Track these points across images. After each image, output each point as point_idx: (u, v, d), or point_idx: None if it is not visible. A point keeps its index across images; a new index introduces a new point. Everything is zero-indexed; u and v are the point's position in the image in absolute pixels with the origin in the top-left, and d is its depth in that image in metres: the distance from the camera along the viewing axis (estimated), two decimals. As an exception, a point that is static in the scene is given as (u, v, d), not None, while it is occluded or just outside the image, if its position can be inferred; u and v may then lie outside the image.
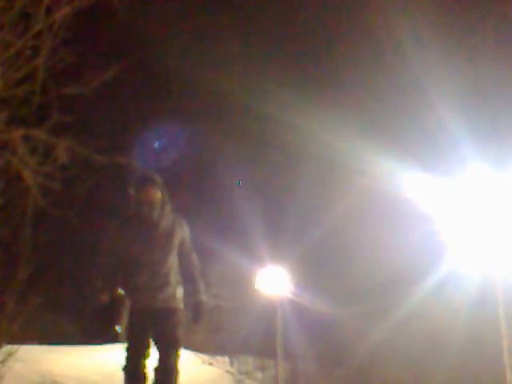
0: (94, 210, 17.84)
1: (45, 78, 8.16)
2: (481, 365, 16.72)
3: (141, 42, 18.24)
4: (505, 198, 13.98)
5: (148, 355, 6.95)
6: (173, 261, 7.14)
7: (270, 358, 20.34)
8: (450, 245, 15.33)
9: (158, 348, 6.96)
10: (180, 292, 7.18)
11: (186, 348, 7.28)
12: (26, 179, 8.57)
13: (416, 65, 16.69)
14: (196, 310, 7.26)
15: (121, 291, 6.97)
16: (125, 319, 6.91)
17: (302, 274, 18.96)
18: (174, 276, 7.14)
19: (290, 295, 18.90)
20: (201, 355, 21.32)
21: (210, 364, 21.38)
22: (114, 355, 15.49)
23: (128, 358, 6.92)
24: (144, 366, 6.90)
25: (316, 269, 19.49)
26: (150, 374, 6.96)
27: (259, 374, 21.25)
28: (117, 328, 6.86)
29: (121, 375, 6.97)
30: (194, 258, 7.35)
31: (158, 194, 7.13)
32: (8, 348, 12.82)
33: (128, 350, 6.93)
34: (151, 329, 6.96)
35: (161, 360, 6.92)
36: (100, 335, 20.67)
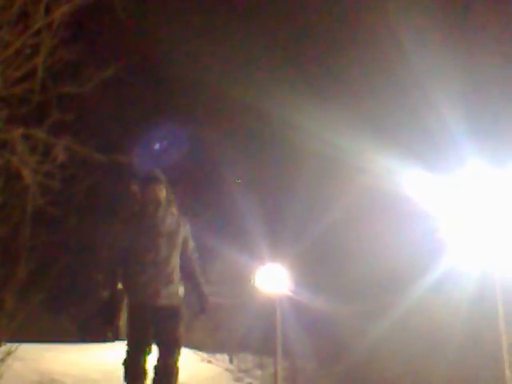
0: (94, 208, 17.85)
1: (44, 77, 8.16)
2: (479, 362, 16.74)
3: (141, 40, 18.24)
4: (504, 195, 13.99)
5: (150, 351, 6.98)
6: (176, 259, 7.17)
7: (269, 355, 20.32)
8: (450, 242, 15.35)
9: (158, 346, 6.98)
10: (182, 290, 7.21)
11: (185, 346, 7.28)
12: (25, 178, 8.57)
13: (416, 63, 16.69)
14: (201, 301, 7.30)
15: (120, 286, 7.00)
16: (123, 317, 6.93)
17: (302, 272, 18.96)
18: (177, 274, 7.17)
19: (289, 293, 18.89)
20: (200, 353, 21.31)
21: (209, 362, 21.37)
22: (113, 353, 15.50)
23: (129, 353, 6.95)
24: (144, 362, 6.94)
25: (315, 267, 19.50)
26: (150, 371, 6.99)
27: (258, 372, 21.25)
28: (109, 334, 6.91)
29: (121, 371, 6.99)
30: (196, 256, 7.39)
31: (163, 193, 7.17)
32: (7, 346, 12.80)
33: (129, 345, 6.96)
34: (153, 325, 6.98)
35: (161, 358, 6.94)
36: (98, 333, 20.69)
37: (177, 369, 7.07)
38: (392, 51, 17.23)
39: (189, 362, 16.60)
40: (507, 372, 13.96)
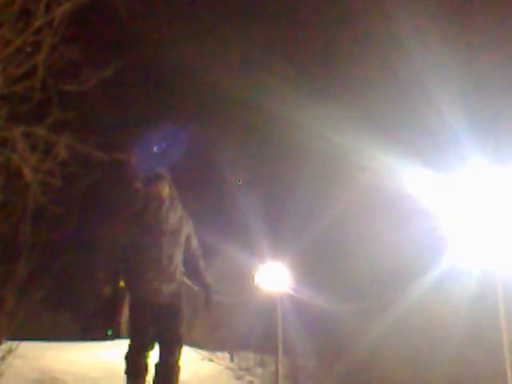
0: (95, 206, 17.86)
1: (45, 75, 8.15)
2: (480, 360, 16.70)
3: (141, 39, 18.23)
4: (505, 193, 13.95)
5: (151, 347, 6.97)
6: (179, 258, 7.18)
7: (270, 354, 20.31)
8: (451, 240, 15.32)
9: (160, 345, 6.98)
10: (183, 289, 7.21)
11: (185, 344, 7.27)
12: (25, 176, 8.56)
13: (417, 61, 16.66)
14: (207, 293, 7.31)
15: (122, 284, 6.99)
16: (124, 315, 6.93)
17: (303, 270, 18.95)
18: (179, 272, 7.18)
19: (290, 291, 18.88)
20: (200, 351, 21.34)
21: (210, 360, 21.39)
22: (114, 351, 15.51)
23: (130, 349, 6.95)
24: (146, 358, 6.95)
25: (316, 265, 19.50)
26: (151, 368, 6.98)
27: (259, 370, 21.24)
28: (110, 331, 6.90)
29: (122, 368, 6.99)
30: (200, 253, 7.40)
31: (166, 190, 7.17)
32: (8, 345, 12.80)
33: (131, 341, 6.96)
34: (154, 323, 6.98)
35: (162, 357, 6.94)
36: (99, 331, 20.69)
37: (178, 367, 7.07)
38: (393, 49, 17.21)
39: (189, 360, 16.61)
40: (508, 370, 13.91)
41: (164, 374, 7.00)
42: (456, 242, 15.36)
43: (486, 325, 15.91)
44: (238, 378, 20.78)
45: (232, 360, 21.72)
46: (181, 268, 7.24)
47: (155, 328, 7.01)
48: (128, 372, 7.00)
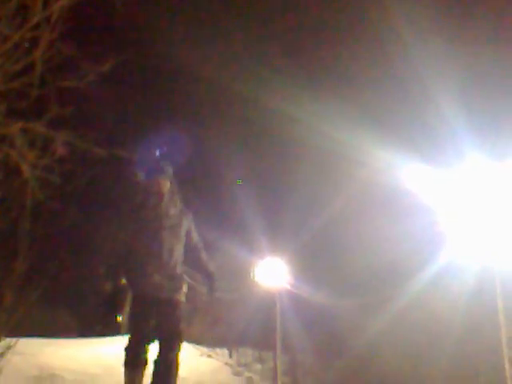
0: (93, 203, 17.86)
1: (43, 71, 8.11)
2: (479, 355, 16.75)
3: (139, 34, 18.19)
4: (503, 188, 13.98)
5: (151, 340, 6.96)
6: (179, 252, 7.15)
7: (268, 349, 20.36)
8: (449, 235, 15.34)
9: (159, 340, 6.96)
10: (185, 286, 7.20)
11: (184, 340, 7.27)
12: (24, 172, 8.54)
13: (415, 56, 16.66)
14: (209, 281, 7.29)
15: (124, 280, 6.97)
16: (127, 308, 6.93)
17: (301, 266, 18.98)
18: (180, 268, 7.15)
19: (288, 287, 18.91)
20: (200, 347, 21.35)
21: (209, 356, 21.41)
22: (113, 348, 15.51)
23: (130, 342, 6.93)
24: (145, 351, 6.92)
25: (315, 260, 19.50)
26: (150, 360, 6.98)
27: (258, 366, 21.28)
28: (119, 318, 6.89)
29: (120, 363, 6.98)
30: (201, 245, 7.38)
31: (167, 185, 7.13)
32: (6, 341, 12.79)
33: (130, 334, 6.94)
34: (154, 318, 6.97)
35: (162, 353, 6.92)
36: (102, 324, 20.71)
37: (177, 363, 7.05)
38: (391, 45, 17.21)
39: (188, 356, 16.60)
40: (507, 365, 13.96)
41: (163, 369, 6.98)
42: (454, 238, 15.40)
43: (484, 320, 15.94)
44: (237, 373, 20.81)
45: (231, 356, 21.75)
46: (181, 263, 7.23)
47: (155, 322, 7.00)
48: (127, 363, 6.99)
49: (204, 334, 21.71)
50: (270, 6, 20.37)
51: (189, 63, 19.06)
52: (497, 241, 14.30)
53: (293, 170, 19.75)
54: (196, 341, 20.85)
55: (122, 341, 7.10)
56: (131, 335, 6.97)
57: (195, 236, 7.34)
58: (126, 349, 6.96)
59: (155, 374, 6.97)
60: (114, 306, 7.09)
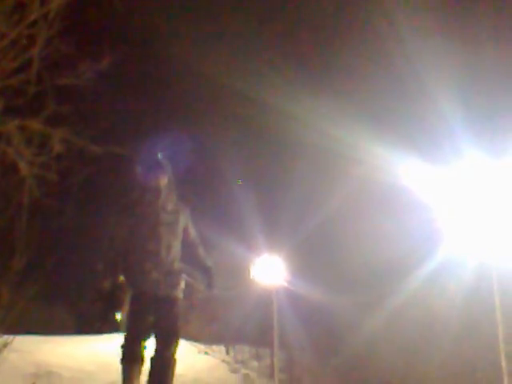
0: (90, 200, 17.83)
1: (40, 68, 8.11)
2: (476, 352, 16.75)
3: (138, 31, 18.17)
4: (500, 185, 13.99)
5: (148, 336, 6.95)
6: (177, 248, 7.13)
7: (265, 346, 20.38)
8: (447, 232, 15.34)
9: (156, 337, 6.95)
10: (182, 282, 7.18)
11: (181, 337, 7.26)
12: (21, 170, 8.54)
13: (413, 54, 16.65)
14: (208, 277, 7.28)
15: (122, 278, 6.94)
16: (126, 306, 6.89)
17: (298, 263, 18.97)
18: (178, 264, 7.13)
19: (285, 284, 18.90)
20: (197, 344, 21.37)
21: (206, 353, 21.43)
22: (110, 345, 15.50)
23: (127, 339, 6.92)
24: (142, 348, 6.90)
25: (312, 258, 19.49)
26: (147, 357, 6.96)
27: (255, 363, 21.30)
28: (117, 316, 6.86)
29: (117, 361, 6.97)
30: (199, 241, 7.36)
31: (164, 181, 7.10)
32: (3, 339, 12.80)
33: (127, 331, 6.93)
34: (152, 315, 6.95)
35: (159, 350, 6.91)
36: (100, 321, 20.68)
37: (174, 360, 7.04)
38: (389, 42, 17.19)
39: (185, 353, 16.62)
40: (504, 362, 13.98)
41: (160, 366, 6.97)
42: (452, 235, 15.40)
43: (481, 317, 15.95)
44: (234, 370, 20.82)
45: (228, 353, 21.77)
46: (178, 259, 7.22)
47: (152, 319, 6.98)
48: (124, 360, 6.97)
49: (201, 331, 21.73)
50: (267, 2, 20.36)
51: (186, 60, 19.04)
52: (494, 238, 14.31)
53: (290, 167, 19.73)
54: (193, 338, 20.86)
55: (120, 338, 7.10)
56: (128, 332, 6.96)
57: (192, 232, 7.32)
58: (123, 346, 6.95)
59: (152, 371, 6.96)
60: (112, 304, 7.06)
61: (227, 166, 20.34)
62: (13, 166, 8.61)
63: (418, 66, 16.65)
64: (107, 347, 17.49)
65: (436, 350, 17.23)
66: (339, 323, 19.58)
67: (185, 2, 20.25)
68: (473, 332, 16.70)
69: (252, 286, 19.49)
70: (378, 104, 17.93)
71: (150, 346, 7.01)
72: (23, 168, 8.42)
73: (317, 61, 19.50)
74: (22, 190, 9.21)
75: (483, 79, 16.23)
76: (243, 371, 20.74)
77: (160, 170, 7.09)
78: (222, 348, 21.89)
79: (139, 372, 6.92)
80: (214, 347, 21.79)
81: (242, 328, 21.18)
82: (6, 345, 12.86)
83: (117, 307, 6.98)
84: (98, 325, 20.94)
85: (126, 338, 6.93)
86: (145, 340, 6.92)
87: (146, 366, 6.96)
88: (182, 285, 7.17)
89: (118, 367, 7.03)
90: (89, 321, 22.86)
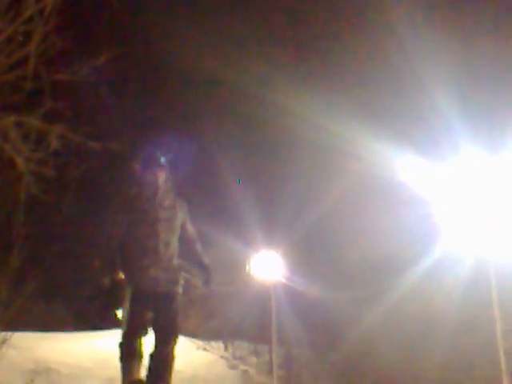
0: (88, 195, 17.82)
1: (36, 64, 8.10)
2: (474, 347, 16.77)
3: (134, 27, 18.15)
4: (497, 181, 13.99)
5: (145, 334, 6.96)
6: (175, 245, 7.13)
7: (264, 342, 20.37)
8: (444, 228, 15.34)
9: (156, 333, 6.95)
10: (181, 279, 7.18)
11: (180, 333, 7.26)
12: (18, 166, 8.54)
13: (410, 49, 16.64)
14: (205, 274, 7.27)
15: (121, 275, 6.93)
16: (125, 303, 6.87)
17: (296, 259, 18.96)
18: (176, 260, 7.13)
19: (283, 280, 18.90)
20: (195, 341, 21.36)
21: (205, 349, 21.42)
22: (108, 341, 15.51)
23: (125, 336, 6.92)
24: (140, 345, 6.90)
25: (310, 253, 19.50)
26: (145, 354, 6.97)
27: (253, 359, 21.30)
28: (118, 313, 6.83)
29: (116, 357, 6.98)
30: (196, 238, 7.35)
31: (162, 177, 7.09)
32: (2, 335, 12.83)
33: (126, 328, 6.92)
34: (151, 312, 6.95)
35: (158, 346, 6.91)
36: (100, 319, 20.66)
37: (173, 357, 7.04)
38: (386, 38, 17.18)
39: (184, 349, 16.62)
40: (501, 358, 13.98)
41: (159, 362, 6.97)
42: (449, 230, 15.40)
43: (479, 312, 15.95)
44: (232, 367, 20.83)
45: (226, 349, 21.76)
46: (177, 255, 7.21)
47: (151, 316, 6.98)
48: (123, 357, 6.97)
49: (199, 327, 21.72)
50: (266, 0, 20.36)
51: (184, 57, 19.02)
52: (492, 233, 14.31)
53: (288, 162, 19.73)
54: (191, 334, 20.86)
55: (118, 334, 7.10)
56: (127, 329, 6.96)
57: (190, 228, 7.31)
58: (122, 343, 6.96)
59: (151, 367, 6.96)
60: (112, 301, 7.05)
61: (225, 161, 20.33)
62: (10, 162, 8.61)
63: (416, 62, 16.65)
64: (106, 343, 17.48)
65: (434, 346, 17.23)
66: (337, 319, 19.59)
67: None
68: (470, 327, 16.72)
69: (250, 282, 19.49)
70: (375, 99, 17.93)
71: (149, 343, 7.02)
72: (20, 164, 8.42)
73: (314, 57, 19.49)
74: (19, 186, 9.21)
75: (480, 75, 16.23)
76: (242, 367, 20.75)
77: (158, 166, 7.09)
78: (221, 344, 21.88)
79: (138, 368, 6.93)
80: (213, 343, 21.79)
81: (241, 324, 21.18)
82: (4, 341, 12.89)
83: (117, 304, 6.96)
84: (98, 322, 20.92)
85: (124, 335, 6.93)
86: (143, 336, 6.93)
87: (145, 363, 6.97)
88: (181, 280, 7.17)
89: (116, 363, 7.04)
90: (87, 317, 22.83)
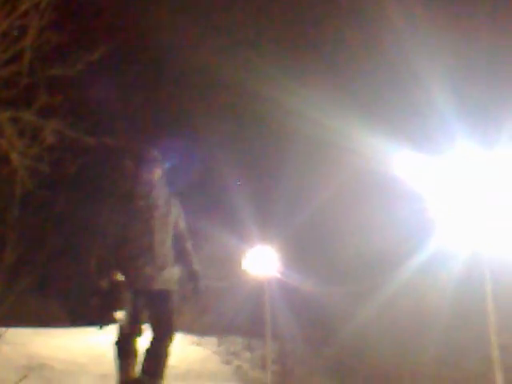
0: (83, 191, 17.79)
1: (32, 59, 8.07)
2: (467, 343, 16.79)
3: (129, 22, 18.11)
4: (492, 176, 13.99)
5: (141, 332, 6.95)
6: (169, 242, 7.11)
7: (258, 338, 20.36)
8: (438, 223, 15.35)
9: (152, 331, 6.95)
10: (177, 275, 7.17)
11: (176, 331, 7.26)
12: (13, 161, 8.52)
13: (406, 44, 16.64)
14: (194, 281, 7.25)
15: (120, 276, 6.90)
16: (124, 304, 6.85)
17: (291, 254, 18.96)
18: (171, 257, 7.12)
19: (278, 275, 18.89)
20: (188, 336, 21.34)
21: (198, 345, 21.40)
22: (103, 337, 15.49)
23: (121, 334, 6.91)
24: (136, 342, 6.91)
25: (305, 248, 19.50)
26: (141, 351, 6.97)
27: (247, 354, 21.28)
28: (116, 315, 6.80)
29: (111, 353, 6.97)
30: (187, 235, 7.33)
31: (157, 174, 7.07)
32: (-4, 331, 12.78)
33: (121, 326, 6.92)
34: (146, 311, 6.95)
35: (154, 344, 6.91)
36: (98, 319, 20.62)
37: (167, 353, 7.05)
38: (382, 33, 17.17)
39: (178, 345, 16.59)
40: (495, 353, 13.99)
41: (153, 358, 6.97)
42: (444, 225, 15.41)
43: (473, 307, 15.96)
44: (226, 362, 20.82)
45: (220, 344, 21.74)
46: (172, 253, 7.18)
47: (147, 313, 6.98)
48: (119, 356, 6.97)
49: (193, 322, 21.68)
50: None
51: (179, 51, 19.00)
52: (486, 228, 14.32)
53: (283, 157, 19.71)
54: (185, 329, 20.84)
55: (113, 330, 7.08)
56: (122, 328, 6.95)
57: (182, 224, 7.29)
58: (117, 342, 6.95)
59: (145, 363, 6.97)
60: (111, 303, 7.02)
61: (220, 157, 20.30)
62: (5, 157, 8.58)
63: (411, 57, 16.64)
64: (100, 339, 17.44)
65: (427, 341, 17.26)
66: (331, 314, 19.59)
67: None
68: (464, 322, 16.74)
69: (244, 277, 19.47)
70: (370, 94, 17.92)
71: (144, 340, 7.01)
72: (15, 159, 8.40)
73: (310, 52, 19.48)
74: (13, 181, 9.18)
75: (476, 69, 16.24)
76: (235, 362, 20.73)
77: (154, 163, 7.07)
78: (214, 339, 21.85)
79: (134, 366, 6.93)
80: (206, 338, 21.76)
81: (234, 319, 21.18)
82: (-2, 337, 12.86)
83: (115, 306, 6.94)
84: (96, 321, 20.85)
85: (119, 335, 6.93)
86: (138, 336, 6.92)
87: (140, 359, 6.97)
88: (176, 277, 7.16)
89: (111, 359, 7.03)
90: (82, 313, 22.80)
